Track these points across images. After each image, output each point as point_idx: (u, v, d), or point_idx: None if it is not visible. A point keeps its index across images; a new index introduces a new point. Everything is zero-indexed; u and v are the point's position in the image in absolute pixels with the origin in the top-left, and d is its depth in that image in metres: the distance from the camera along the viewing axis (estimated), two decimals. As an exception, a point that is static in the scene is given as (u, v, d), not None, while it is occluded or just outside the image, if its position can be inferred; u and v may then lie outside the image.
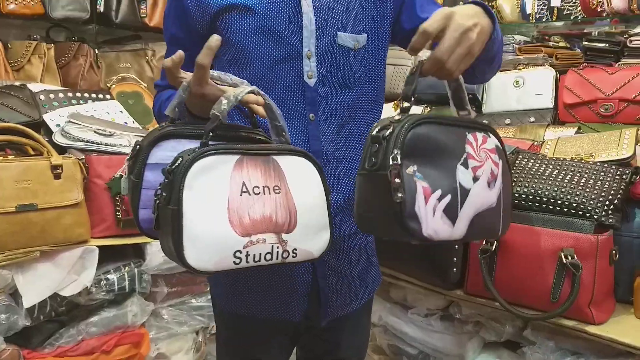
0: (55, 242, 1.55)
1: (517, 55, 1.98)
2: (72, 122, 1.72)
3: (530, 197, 1.26)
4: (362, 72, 1.00)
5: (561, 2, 2.00)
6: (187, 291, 1.92)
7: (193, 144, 0.80)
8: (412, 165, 0.65)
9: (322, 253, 0.84)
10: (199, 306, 1.93)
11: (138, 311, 1.75)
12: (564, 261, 1.15)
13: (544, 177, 1.28)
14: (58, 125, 1.76)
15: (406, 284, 1.55)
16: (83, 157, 1.67)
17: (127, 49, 2.30)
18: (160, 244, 0.77)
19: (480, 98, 1.92)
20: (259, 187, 0.77)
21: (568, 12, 2.00)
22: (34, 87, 1.87)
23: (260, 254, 0.76)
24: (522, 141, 1.63)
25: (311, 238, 0.82)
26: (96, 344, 1.68)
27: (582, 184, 1.24)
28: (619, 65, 1.73)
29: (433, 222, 0.66)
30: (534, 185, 1.27)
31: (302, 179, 0.81)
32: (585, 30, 2.03)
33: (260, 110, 0.86)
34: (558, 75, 1.81)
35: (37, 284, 1.53)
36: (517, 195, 1.28)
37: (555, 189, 1.24)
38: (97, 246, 1.64)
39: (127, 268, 1.74)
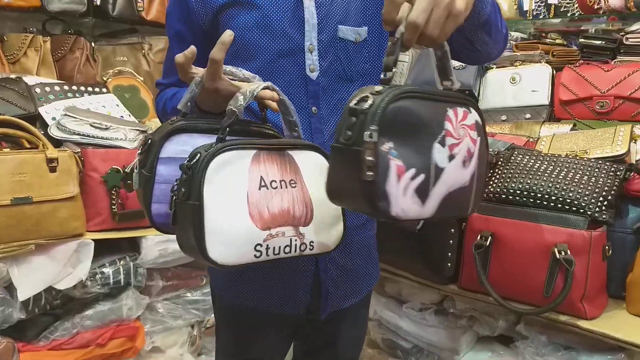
0: (51, 235, 1.55)
1: (514, 51, 1.98)
2: (68, 115, 1.72)
3: (525, 192, 1.27)
4: (363, 65, 1.01)
5: (558, -1, 2.01)
6: (182, 285, 1.92)
7: (205, 139, 0.80)
8: (387, 142, 0.62)
9: (338, 245, 0.86)
10: (194, 300, 1.94)
11: (133, 305, 1.75)
12: (558, 256, 1.16)
13: (539, 173, 1.29)
14: (54, 119, 1.76)
15: (401, 278, 1.56)
16: (79, 150, 1.66)
17: (123, 42, 2.28)
18: (177, 239, 0.77)
19: (476, 94, 1.92)
20: (276, 181, 0.78)
21: (565, 9, 2.00)
22: (30, 79, 1.86)
23: (279, 247, 0.77)
24: (518, 137, 1.64)
25: (327, 230, 0.83)
26: (91, 337, 1.68)
27: (576, 180, 1.24)
28: (615, 62, 1.74)
29: (403, 202, 0.63)
30: (528, 181, 1.28)
31: (316, 173, 0.82)
32: (582, 28, 2.04)
33: (274, 105, 0.86)
34: (554, 72, 1.82)
35: (32, 277, 1.53)
36: (511, 190, 1.29)
37: (550, 185, 1.25)
38: (93, 239, 1.64)
39: (122, 262, 1.74)
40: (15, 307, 1.52)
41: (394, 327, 1.65)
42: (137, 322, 1.79)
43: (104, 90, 2.03)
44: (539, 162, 1.33)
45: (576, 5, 1.96)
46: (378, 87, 0.64)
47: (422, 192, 0.64)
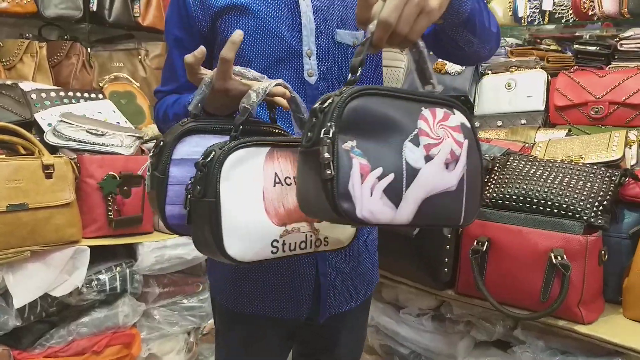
0: (47, 242, 1.54)
1: (509, 57, 1.99)
2: (64, 122, 1.71)
3: (521, 198, 1.28)
4: (361, 69, 1.01)
5: (553, 5, 2.02)
6: (178, 292, 1.91)
7: (217, 139, 0.80)
8: (350, 140, 0.59)
9: (351, 241, 0.86)
10: (190, 307, 1.93)
11: (129, 311, 1.74)
12: (554, 261, 1.16)
13: (535, 179, 1.29)
14: (50, 125, 1.75)
15: (398, 284, 1.56)
16: (75, 156, 1.66)
17: (120, 48, 2.29)
18: (192, 238, 0.77)
19: (472, 100, 1.93)
20: (290, 178, 0.78)
21: (560, 15, 2.02)
22: (26, 86, 1.86)
23: (295, 243, 0.78)
24: (514, 143, 1.65)
25: (340, 226, 0.83)
26: (87, 345, 1.67)
27: (572, 185, 1.25)
28: (609, 68, 1.75)
29: (370, 203, 0.59)
30: (524, 187, 1.28)
31: None
32: (576, 34, 2.05)
33: (284, 102, 0.86)
34: (549, 77, 1.83)
35: (27, 284, 1.52)
36: (507, 196, 1.30)
37: (546, 190, 1.26)
38: (89, 246, 1.63)
39: (118, 268, 1.73)
40: (11, 314, 1.51)
41: (391, 333, 1.65)
42: (133, 329, 1.78)
43: (100, 96, 2.03)
44: (535, 167, 1.34)
45: (571, 12, 1.97)
46: (343, 89, 0.62)
47: (394, 194, 0.61)
